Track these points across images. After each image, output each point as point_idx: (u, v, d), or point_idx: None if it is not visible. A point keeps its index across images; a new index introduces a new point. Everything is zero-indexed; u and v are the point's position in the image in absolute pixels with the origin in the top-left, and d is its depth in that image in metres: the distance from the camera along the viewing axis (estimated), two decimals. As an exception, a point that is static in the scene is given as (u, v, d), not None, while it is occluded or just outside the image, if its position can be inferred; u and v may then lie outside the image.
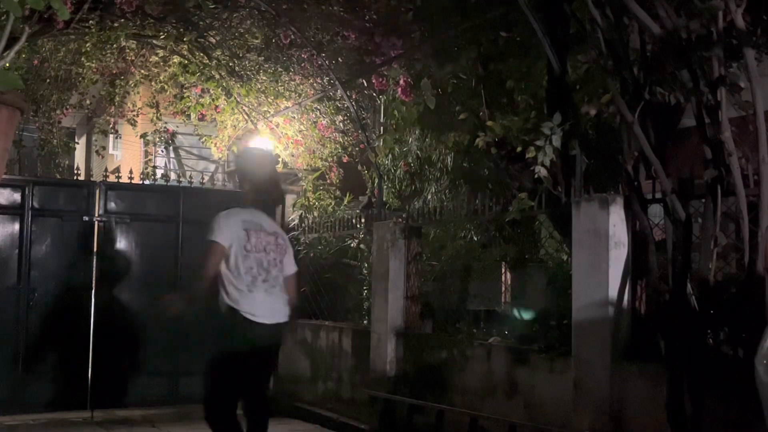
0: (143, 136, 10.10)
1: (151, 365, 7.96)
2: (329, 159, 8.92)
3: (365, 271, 7.76)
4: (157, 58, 8.70)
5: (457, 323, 6.58)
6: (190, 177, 8.98)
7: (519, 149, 5.54)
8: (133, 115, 9.78)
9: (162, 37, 8.07)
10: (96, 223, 7.88)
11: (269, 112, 8.84)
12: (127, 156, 14.30)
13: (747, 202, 4.05)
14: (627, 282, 4.75)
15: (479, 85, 6.49)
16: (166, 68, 8.81)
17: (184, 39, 8.10)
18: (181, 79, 8.81)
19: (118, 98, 9.48)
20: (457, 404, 5.98)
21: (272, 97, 8.64)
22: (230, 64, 8.43)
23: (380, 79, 7.56)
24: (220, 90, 8.73)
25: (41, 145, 9.51)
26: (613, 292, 4.73)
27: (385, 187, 7.81)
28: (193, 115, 9.34)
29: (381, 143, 7.55)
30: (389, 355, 6.78)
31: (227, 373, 4.69)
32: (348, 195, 8.67)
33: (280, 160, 8.94)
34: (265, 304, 4.67)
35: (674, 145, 5.12)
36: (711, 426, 4.12)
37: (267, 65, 8.28)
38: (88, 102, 10.01)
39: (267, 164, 4.96)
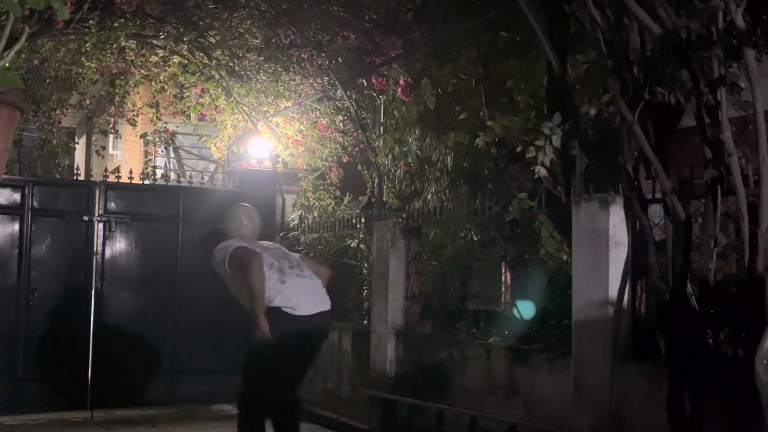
0: (143, 136, 10.09)
1: (151, 365, 7.96)
2: (329, 159, 8.92)
3: (365, 271, 7.76)
4: (157, 58, 8.70)
5: (457, 323, 6.58)
6: (190, 177, 8.98)
7: (519, 149, 5.54)
8: (133, 115, 9.77)
9: (162, 37, 8.07)
10: (96, 223, 7.88)
11: (269, 112, 8.84)
12: (127, 156, 14.28)
13: (747, 202, 4.05)
14: (627, 282, 4.75)
15: (479, 85, 6.49)
16: (166, 68, 8.81)
17: (184, 39, 8.10)
18: (181, 79, 8.80)
19: (118, 98, 9.47)
20: (457, 404, 5.98)
21: (272, 97, 8.64)
22: (230, 64, 8.43)
23: (380, 79, 7.56)
24: (220, 90, 8.73)
25: (41, 145, 9.49)
26: (613, 292, 4.73)
27: (385, 187, 7.82)
28: (193, 115, 9.33)
29: (381, 143, 7.56)
30: (389, 355, 6.78)
31: (272, 374, 4.78)
32: (348, 195, 8.67)
33: (280, 160, 8.94)
34: (302, 295, 4.82)
35: (674, 145, 5.12)
36: (711, 426, 4.12)
37: (267, 65, 8.28)
38: (88, 102, 10.00)
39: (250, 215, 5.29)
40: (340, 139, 8.85)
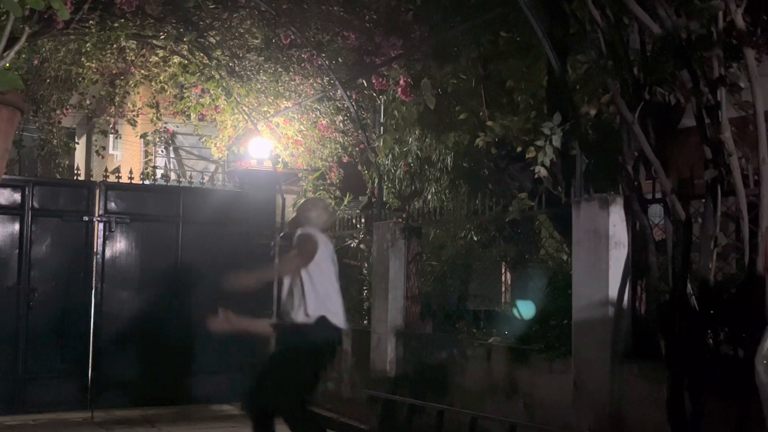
0: (143, 136, 10.09)
1: (151, 365, 7.95)
2: (329, 159, 8.92)
3: (365, 271, 7.76)
4: (157, 58, 8.70)
5: (457, 323, 6.58)
6: (190, 177, 8.98)
7: (519, 149, 5.54)
8: (133, 115, 9.77)
9: (162, 37, 8.07)
10: (96, 223, 7.87)
11: (269, 112, 8.84)
12: (127, 156, 14.29)
13: (747, 202, 4.05)
14: (627, 282, 4.75)
15: (479, 85, 6.49)
16: (166, 68, 8.81)
17: (184, 39, 8.10)
18: (181, 79, 8.80)
19: (118, 98, 9.47)
20: (457, 404, 5.98)
21: (272, 97, 8.64)
22: (230, 64, 8.43)
23: (380, 79, 7.56)
24: (220, 90, 8.73)
25: (41, 145, 9.49)
26: (613, 292, 4.73)
27: (385, 187, 7.82)
28: (193, 116, 9.33)
29: (381, 143, 7.55)
30: (389, 355, 6.79)
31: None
32: (348, 195, 8.67)
33: (280, 160, 8.95)
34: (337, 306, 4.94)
35: (674, 145, 5.12)
36: (711, 426, 4.12)
37: (267, 65, 8.28)
38: (88, 102, 10.00)
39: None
40: (340, 139, 8.85)
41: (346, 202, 8.59)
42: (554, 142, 5.08)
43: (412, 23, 7.04)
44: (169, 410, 7.91)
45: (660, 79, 4.57)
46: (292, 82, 8.43)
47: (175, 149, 13.69)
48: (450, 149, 7.02)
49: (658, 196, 4.62)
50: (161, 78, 8.97)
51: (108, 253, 7.90)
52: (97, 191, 7.92)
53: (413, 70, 7.05)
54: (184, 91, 9.16)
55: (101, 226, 7.88)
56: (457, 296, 6.89)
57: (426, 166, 7.43)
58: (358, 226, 7.73)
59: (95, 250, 7.86)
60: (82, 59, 8.39)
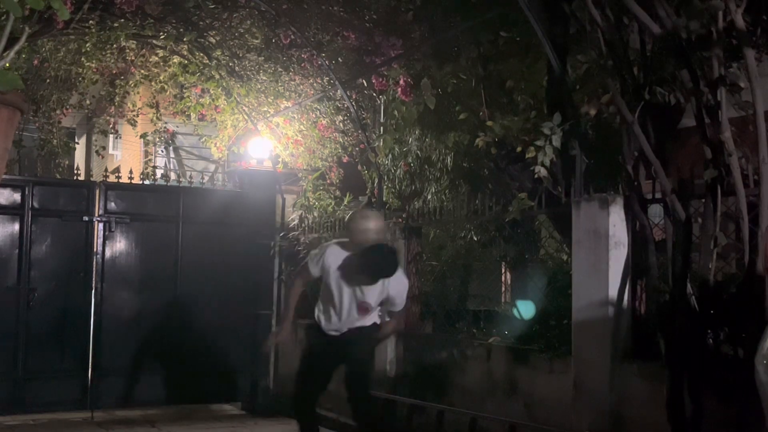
0: (143, 136, 10.08)
1: (151, 365, 7.95)
2: (329, 159, 8.91)
3: (365, 271, 7.74)
4: (157, 58, 8.69)
5: (457, 323, 6.58)
6: (190, 177, 8.97)
7: (519, 149, 5.54)
8: (133, 115, 9.76)
9: (162, 37, 8.06)
10: (96, 223, 7.87)
11: (269, 112, 8.84)
12: (127, 156, 14.28)
13: (747, 202, 4.05)
14: (627, 282, 4.76)
15: (479, 85, 6.49)
16: (166, 68, 8.80)
17: (184, 39, 8.09)
18: (181, 79, 8.79)
19: (118, 98, 9.46)
20: (457, 404, 5.98)
21: (272, 97, 8.63)
22: (230, 64, 8.43)
23: (380, 79, 7.55)
24: (220, 90, 8.73)
25: (41, 145, 9.48)
26: (613, 292, 4.73)
27: (385, 187, 7.81)
28: (193, 115, 9.32)
29: (381, 143, 7.55)
30: (389, 355, 6.78)
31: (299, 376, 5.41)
32: (348, 195, 8.66)
33: (280, 160, 8.94)
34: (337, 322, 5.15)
35: (674, 145, 5.12)
36: (711, 426, 4.12)
37: (267, 65, 8.27)
38: (88, 102, 9.98)
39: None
40: (340, 139, 8.85)
41: (346, 202, 8.58)
42: (554, 142, 5.08)
43: (412, 23, 7.04)
44: (169, 410, 7.91)
45: (660, 79, 4.57)
46: (292, 82, 8.42)
47: (175, 149, 13.68)
48: (450, 149, 7.02)
49: (658, 196, 4.63)
50: (161, 78, 8.96)
51: (108, 253, 7.90)
52: (97, 191, 7.92)
53: (413, 70, 7.05)
54: (184, 91, 9.15)
55: (101, 226, 7.88)
56: (457, 296, 6.89)
57: (426, 166, 7.43)
58: (358, 226, 7.70)
59: (95, 250, 7.86)
60: (82, 59, 8.38)
